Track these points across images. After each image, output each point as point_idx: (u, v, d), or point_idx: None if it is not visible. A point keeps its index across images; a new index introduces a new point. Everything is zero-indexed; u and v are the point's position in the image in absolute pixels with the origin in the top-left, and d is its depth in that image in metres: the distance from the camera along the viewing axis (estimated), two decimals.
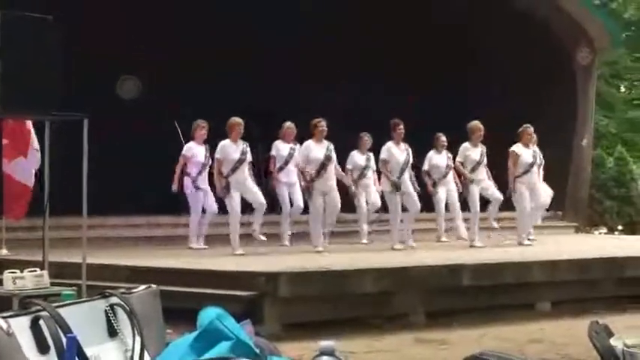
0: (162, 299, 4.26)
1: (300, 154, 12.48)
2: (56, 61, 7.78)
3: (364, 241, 13.75)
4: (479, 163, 13.37)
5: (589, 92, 18.78)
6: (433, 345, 8.34)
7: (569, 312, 10.14)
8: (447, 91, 17.43)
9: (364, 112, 16.44)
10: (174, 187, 12.58)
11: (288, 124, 13.13)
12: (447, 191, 14.11)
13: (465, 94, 17.48)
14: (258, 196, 12.09)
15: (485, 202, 13.53)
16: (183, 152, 12.75)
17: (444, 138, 14.21)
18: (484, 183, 13.41)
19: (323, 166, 12.17)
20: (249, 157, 12.09)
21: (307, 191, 12.26)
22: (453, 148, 13.94)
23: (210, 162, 12.54)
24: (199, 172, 12.58)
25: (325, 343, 3.67)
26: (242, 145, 12.05)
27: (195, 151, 12.64)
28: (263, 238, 12.34)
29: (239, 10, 16.13)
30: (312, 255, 11.55)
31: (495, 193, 13.41)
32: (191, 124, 12.97)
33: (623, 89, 32.04)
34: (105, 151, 12.87)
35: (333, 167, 12.35)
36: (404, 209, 13.10)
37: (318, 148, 12.25)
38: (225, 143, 12.02)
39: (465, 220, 13.85)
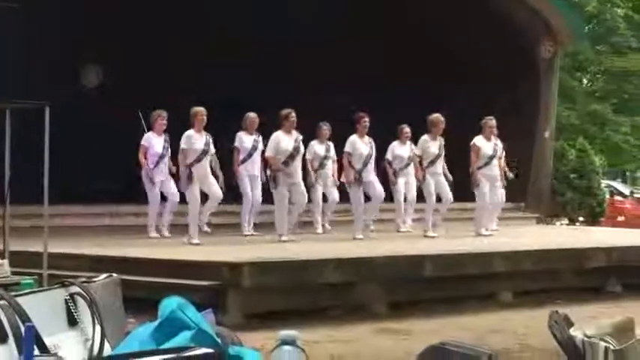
0: (123, 289, 4.24)
1: (269, 144, 12.37)
2: (17, 48, 7.70)
3: (319, 230, 13.76)
4: (437, 156, 13.40)
5: (552, 85, 18.89)
6: (395, 335, 8.35)
7: (531, 302, 10.21)
8: (409, 84, 17.43)
9: (338, 108, 16.36)
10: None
11: (252, 114, 13.06)
12: (405, 183, 14.17)
13: (429, 86, 17.50)
14: (215, 189, 12.06)
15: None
16: (142, 142, 12.62)
17: (407, 129, 14.27)
18: (440, 177, 13.42)
19: (291, 157, 12.09)
20: (212, 148, 12.05)
21: (273, 181, 12.16)
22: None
23: (168, 153, 12.48)
24: (156, 164, 12.46)
25: (286, 333, 3.69)
26: (205, 137, 12.02)
27: (153, 142, 12.52)
28: (207, 229, 12.47)
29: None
30: (275, 245, 11.53)
31: (445, 194, 13.38)
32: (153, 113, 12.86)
33: (585, 82, 32.33)
34: (66, 139, 12.74)
35: (300, 159, 12.31)
36: (367, 199, 13.12)
37: (287, 139, 12.15)
38: (189, 134, 11.96)
39: (421, 210, 13.88)
